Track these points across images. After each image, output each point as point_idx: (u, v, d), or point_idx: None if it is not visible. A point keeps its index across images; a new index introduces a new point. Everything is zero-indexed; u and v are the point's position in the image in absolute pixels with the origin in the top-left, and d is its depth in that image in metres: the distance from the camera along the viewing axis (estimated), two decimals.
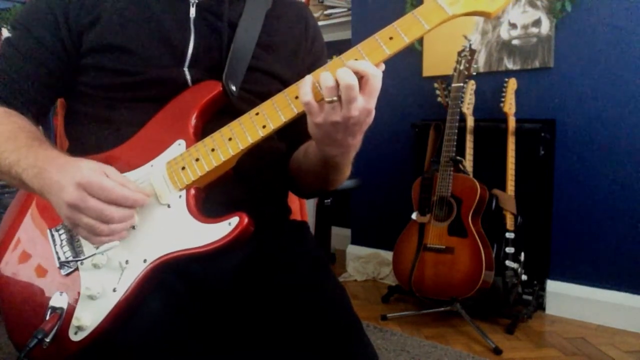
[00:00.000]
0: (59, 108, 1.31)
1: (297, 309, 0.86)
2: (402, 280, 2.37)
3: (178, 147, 0.83)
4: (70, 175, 0.73)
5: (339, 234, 3.25)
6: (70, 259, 0.80)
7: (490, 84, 2.53)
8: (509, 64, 2.49)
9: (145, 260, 0.77)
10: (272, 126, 0.78)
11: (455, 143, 2.31)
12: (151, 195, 0.80)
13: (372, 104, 0.72)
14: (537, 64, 2.42)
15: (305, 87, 0.73)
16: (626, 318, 2.24)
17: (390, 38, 0.75)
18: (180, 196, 0.80)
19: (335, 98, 0.71)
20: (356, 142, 0.78)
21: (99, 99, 0.91)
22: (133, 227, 0.79)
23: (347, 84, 0.69)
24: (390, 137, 2.87)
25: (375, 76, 0.71)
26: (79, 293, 0.78)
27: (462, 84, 2.37)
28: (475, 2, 0.74)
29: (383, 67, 0.74)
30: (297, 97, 0.77)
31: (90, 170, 0.74)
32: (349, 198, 3.15)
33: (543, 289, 2.45)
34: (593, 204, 2.33)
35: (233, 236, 0.76)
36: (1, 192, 2.41)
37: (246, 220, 0.76)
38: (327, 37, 3.28)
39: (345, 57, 0.75)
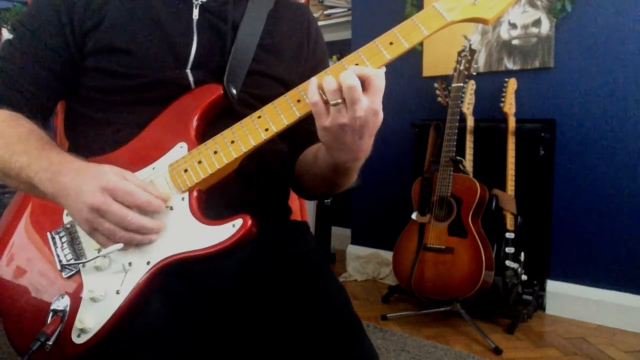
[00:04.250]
0: (59, 108, 1.31)
1: (297, 309, 0.87)
2: (402, 280, 2.37)
3: (180, 149, 0.83)
4: (94, 179, 0.73)
5: (339, 234, 3.25)
6: (72, 261, 0.80)
7: (490, 84, 2.54)
8: (509, 64, 2.49)
9: (148, 263, 0.77)
10: (274, 129, 0.79)
11: (455, 143, 2.31)
12: (168, 198, 0.80)
13: (377, 103, 0.72)
14: (537, 64, 2.42)
15: (312, 88, 0.74)
16: (626, 318, 2.25)
17: (391, 43, 0.76)
18: (183, 198, 0.80)
19: (339, 100, 0.71)
20: (366, 146, 0.78)
21: (101, 101, 0.91)
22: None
23: (349, 85, 0.69)
24: (390, 137, 2.87)
25: (378, 76, 0.71)
26: (81, 295, 0.78)
27: (462, 84, 2.37)
28: (473, 9, 0.76)
29: (384, 69, 0.75)
30: (299, 101, 0.78)
31: (114, 174, 0.74)
32: (349, 198, 3.15)
33: (543, 289, 2.45)
34: (593, 203, 2.34)
35: (237, 238, 0.76)
36: (1, 192, 2.41)
37: (250, 221, 0.77)
38: (327, 37, 3.28)
39: (347, 61, 0.76)
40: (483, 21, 0.77)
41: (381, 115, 0.74)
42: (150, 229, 0.76)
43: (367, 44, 0.77)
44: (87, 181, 0.74)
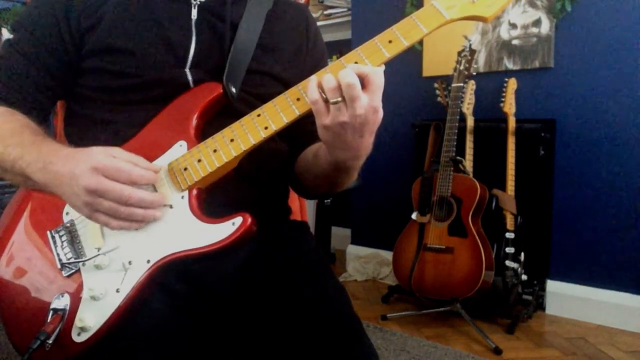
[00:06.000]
0: (59, 108, 1.31)
1: (297, 309, 0.87)
2: (402, 280, 2.37)
3: (180, 148, 0.83)
4: (83, 162, 0.73)
5: (339, 234, 3.25)
6: (72, 260, 0.80)
7: (490, 84, 2.54)
8: (509, 64, 2.50)
9: (148, 261, 0.77)
10: (274, 127, 0.79)
11: (455, 143, 2.31)
12: (160, 170, 0.80)
13: (377, 101, 0.72)
14: (537, 64, 2.42)
15: (311, 86, 0.73)
16: (626, 318, 2.25)
17: (390, 41, 0.76)
18: (182, 197, 0.80)
19: (339, 99, 0.71)
20: (367, 144, 0.78)
21: (100, 101, 0.91)
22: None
23: (349, 83, 0.69)
24: (390, 137, 2.87)
25: (377, 73, 0.71)
26: (81, 294, 0.78)
27: (462, 84, 2.37)
28: (472, 7, 0.77)
29: (383, 67, 0.75)
30: (298, 99, 0.78)
31: (101, 154, 0.74)
32: (349, 198, 3.15)
33: (543, 289, 2.45)
34: (593, 203, 2.34)
35: (237, 236, 0.76)
36: (1, 192, 2.41)
37: (249, 220, 0.77)
38: (327, 37, 3.27)
39: (346, 59, 0.76)
40: (482, 19, 0.77)
41: (381, 113, 0.74)
42: (150, 201, 0.76)
43: (366, 42, 0.77)
44: (77, 165, 0.74)
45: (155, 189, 0.80)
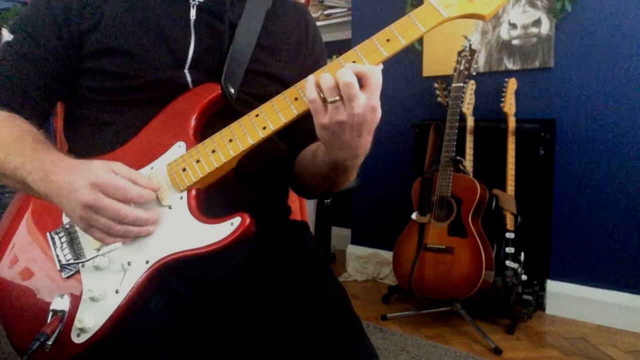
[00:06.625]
0: (59, 109, 1.31)
1: (297, 309, 0.87)
2: (402, 280, 2.37)
3: (178, 148, 0.83)
4: (83, 176, 0.73)
5: (339, 234, 3.25)
6: (72, 261, 0.80)
7: (490, 84, 2.54)
8: (509, 64, 2.49)
9: (147, 262, 0.77)
10: (272, 127, 0.79)
11: (455, 143, 2.31)
12: (160, 188, 0.80)
13: (375, 100, 0.72)
14: (537, 64, 2.42)
15: (309, 86, 0.73)
16: (626, 318, 2.24)
17: (388, 40, 0.76)
18: (181, 197, 0.80)
19: (337, 98, 0.71)
20: (365, 143, 0.77)
21: (99, 102, 0.91)
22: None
23: (346, 82, 0.69)
24: (390, 137, 2.87)
25: (374, 72, 0.71)
26: (80, 295, 0.78)
27: (462, 84, 2.37)
28: (470, 5, 0.76)
29: (381, 65, 0.75)
30: (296, 99, 0.78)
31: (102, 170, 0.74)
32: (349, 198, 3.15)
33: (543, 289, 2.45)
34: (593, 203, 2.34)
35: (236, 236, 0.76)
36: (1, 192, 2.41)
37: (248, 220, 0.77)
38: (327, 37, 3.27)
39: (344, 59, 0.76)
40: (480, 17, 0.77)
41: (379, 112, 0.73)
42: (145, 220, 0.76)
43: (364, 42, 0.76)
44: (77, 179, 0.74)
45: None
